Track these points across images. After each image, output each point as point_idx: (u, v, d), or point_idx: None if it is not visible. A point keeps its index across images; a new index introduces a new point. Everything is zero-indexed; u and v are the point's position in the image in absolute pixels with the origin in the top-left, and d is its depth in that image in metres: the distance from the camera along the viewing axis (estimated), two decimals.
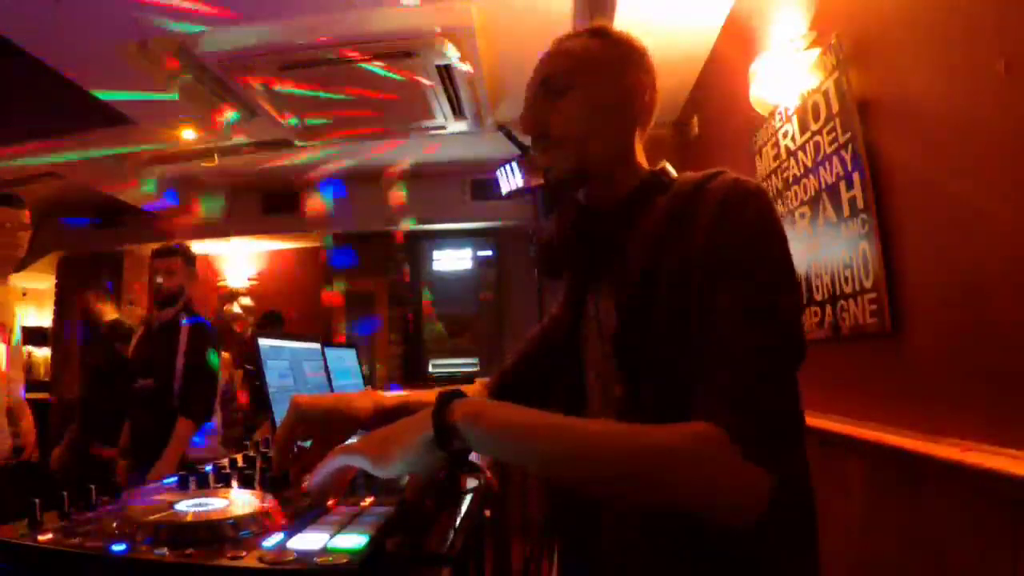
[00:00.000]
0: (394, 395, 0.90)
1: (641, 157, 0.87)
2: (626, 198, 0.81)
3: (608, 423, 0.69)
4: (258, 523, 0.58)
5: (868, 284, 1.42)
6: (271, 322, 4.66)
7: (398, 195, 5.04)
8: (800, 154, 1.77)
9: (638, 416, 0.68)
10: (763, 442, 0.60)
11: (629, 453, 0.60)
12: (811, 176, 1.70)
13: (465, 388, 1.02)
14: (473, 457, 0.70)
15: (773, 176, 1.99)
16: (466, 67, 2.92)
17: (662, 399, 0.70)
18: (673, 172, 0.85)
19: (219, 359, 2.69)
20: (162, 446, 2.38)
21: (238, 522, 0.56)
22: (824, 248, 1.65)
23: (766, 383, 0.63)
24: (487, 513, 1.08)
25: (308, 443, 0.79)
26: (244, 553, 0.51)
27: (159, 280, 2.62)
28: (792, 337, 0.67)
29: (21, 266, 5.10)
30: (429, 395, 0.94)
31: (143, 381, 2.55)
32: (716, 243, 0.69)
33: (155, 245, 2.86)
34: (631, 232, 0.79)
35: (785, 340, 0.66)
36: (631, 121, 0.85)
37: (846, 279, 1.53)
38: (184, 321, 2.59)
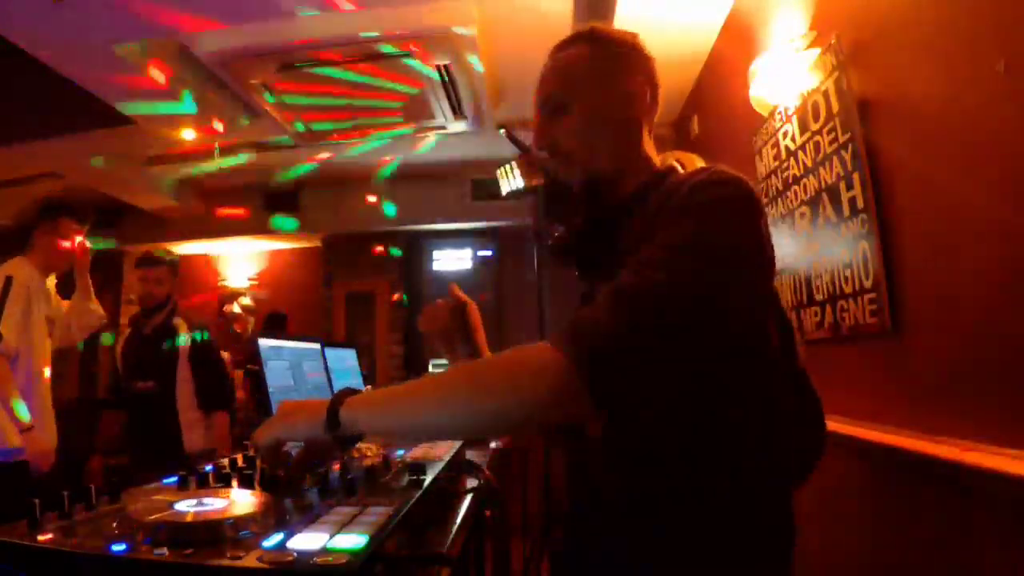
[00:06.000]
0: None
1: (650, 151, 0.87)
2: (628, 198, 0.82)
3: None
4: (258, 523, 0.58)
5: (868, 284, 1.42)
6: (275, 324, 4.65)
7: (398, 195, 5.04)
8: (800, 154, 1.77)
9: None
10: (584, 352, 0.61)
11: (470, 372, 0.71)
12: (811, 176, 1.70)
13: None
14: (473, 456, 0.70)
15: (773, 176, 1.99)
16: (471, 65, 2.92)
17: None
18: (681, 170, 0.85)
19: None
20: (165, 443, 2.49)
21: (238, 522, 0.56)
22: (824, 248, 1.65)
23: (634, 310, 0.62)
24: (487, 513, 1.08)
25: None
26: (244, 553, 0.50)
27: (148, 289, 2.71)
28: (703, 299, 0.63)
29: None
30: None
31: (142, 384, 2.59)
32: (677, 214, 0.69)
33: (154, 245, 2.89)
34: (627, 228, 0.80)
35: (687, 289, 0.63)
36: (635, 124, 0.85)
37: (846, 279, 1.53)
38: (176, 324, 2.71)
